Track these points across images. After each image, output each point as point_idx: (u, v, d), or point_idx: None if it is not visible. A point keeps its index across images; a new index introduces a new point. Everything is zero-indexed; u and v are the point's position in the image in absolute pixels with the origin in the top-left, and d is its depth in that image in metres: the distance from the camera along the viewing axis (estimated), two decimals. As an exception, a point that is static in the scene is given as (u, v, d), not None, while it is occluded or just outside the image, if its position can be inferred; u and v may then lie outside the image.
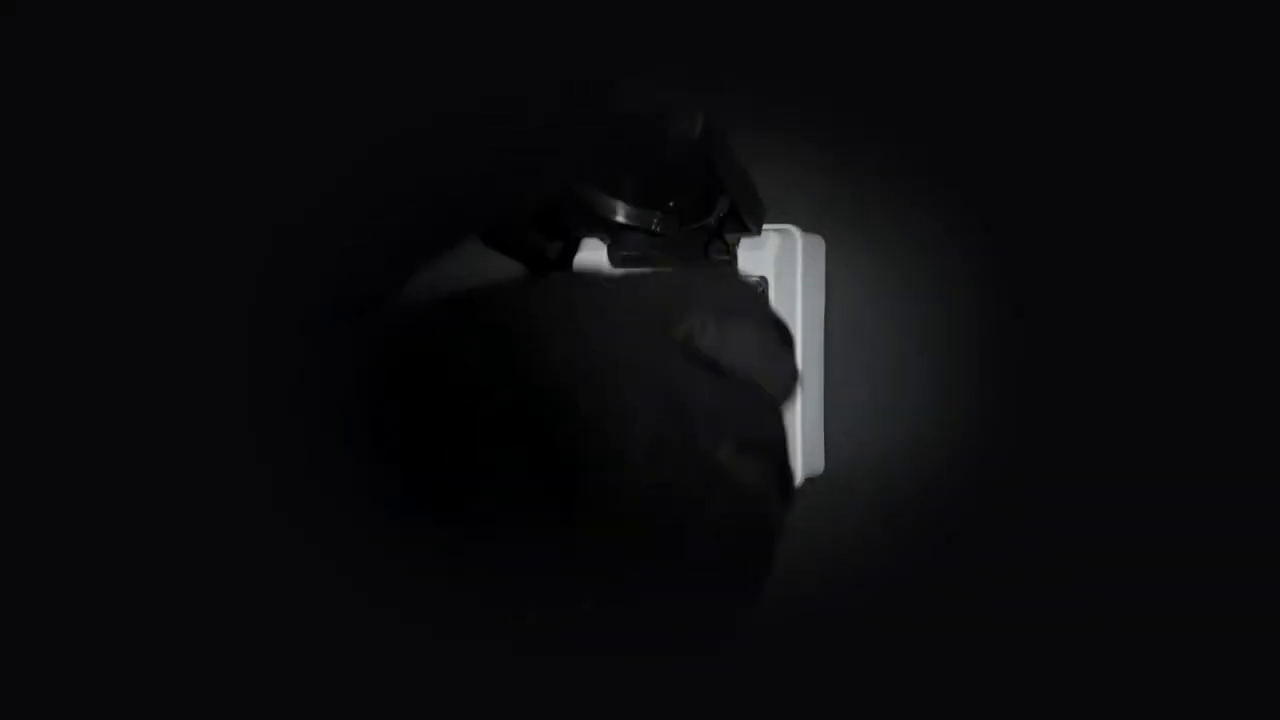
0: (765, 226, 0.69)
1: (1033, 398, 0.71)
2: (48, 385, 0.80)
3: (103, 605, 0.81)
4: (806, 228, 0.71)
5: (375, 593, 0.72)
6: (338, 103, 0.79)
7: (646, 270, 0.67)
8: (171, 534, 0.80)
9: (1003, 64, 0.71)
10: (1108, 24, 0.70)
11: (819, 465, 0.72)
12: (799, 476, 0.70)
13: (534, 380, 0.47)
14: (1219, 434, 0.69)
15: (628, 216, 0.65)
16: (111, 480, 0.81)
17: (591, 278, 0.51)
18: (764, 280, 0.69)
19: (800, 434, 0.70)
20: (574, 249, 0.68)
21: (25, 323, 0.80)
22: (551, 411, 0.47)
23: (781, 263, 0.69)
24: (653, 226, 0.65)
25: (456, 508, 0.49)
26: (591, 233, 0.68)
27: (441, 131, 0.62)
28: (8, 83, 0.81)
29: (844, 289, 0.73)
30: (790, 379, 0.52)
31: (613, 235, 0.67)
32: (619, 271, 0.63)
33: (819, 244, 0.72)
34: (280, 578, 0.79)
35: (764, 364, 0.51)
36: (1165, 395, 0.69)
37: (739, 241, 0.67)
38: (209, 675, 0.79)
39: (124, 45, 0.80)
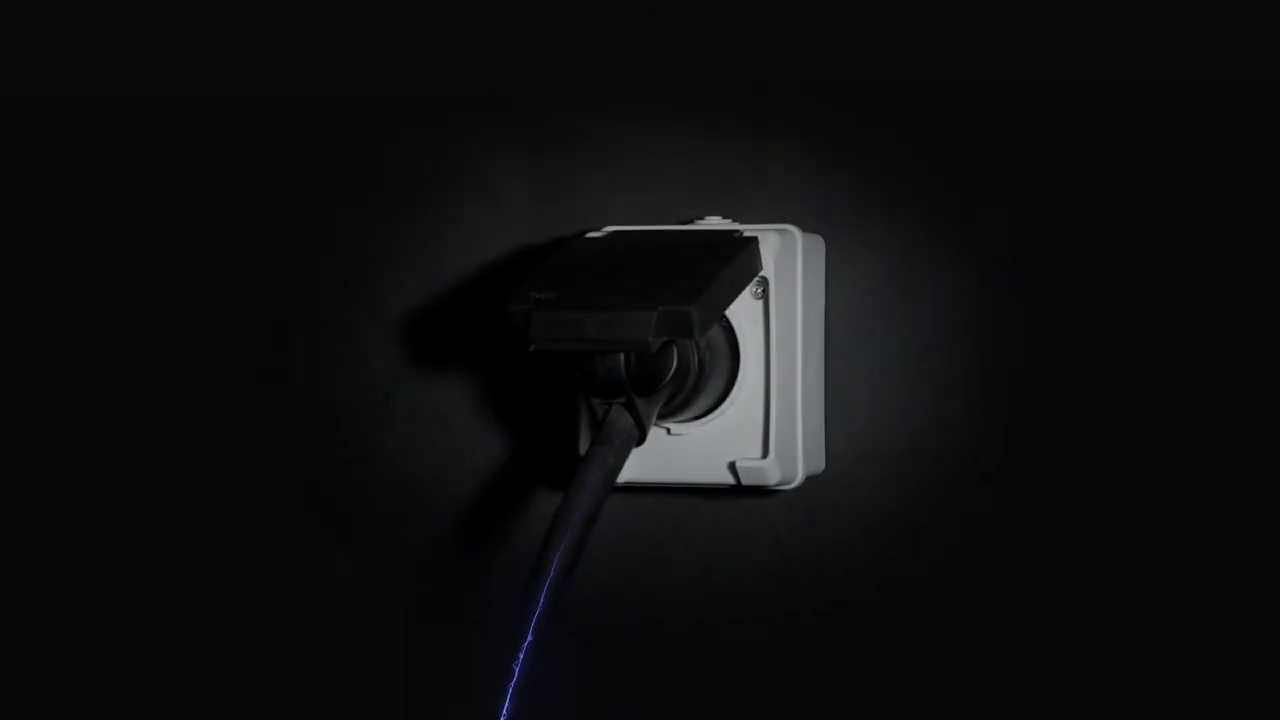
0: (765, 226, 0.69)
1: (1033, 397, 0.71)
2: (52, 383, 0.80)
3: (108, 598, 0.81)
4: (806, 228, 0.70)
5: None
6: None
7: None
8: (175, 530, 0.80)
9: (1003, 63, 0.71)
10: (1109, 22, 0.70)
11: (819, 465, 0.72)
12: (799, 476, 0.70)
13: None
14: (1220, 433, 0.69)
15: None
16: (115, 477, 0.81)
17: None
18: (764, 280, 0.69)
19: (800, 434, 0.70)
20: None
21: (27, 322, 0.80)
22: None
23: (781, 263, 0.69)
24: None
25: None
26: None
27: None
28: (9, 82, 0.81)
29: (844, 289, 0.73)
30: None
31: None
32: None
33: (819, 244, 0.72)
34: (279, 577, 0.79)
35: None
36: (1166, 394, 0.69)
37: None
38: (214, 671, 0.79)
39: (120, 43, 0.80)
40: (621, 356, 0.64)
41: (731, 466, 0.70)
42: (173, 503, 0.81)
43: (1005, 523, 0.71)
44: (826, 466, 0.73)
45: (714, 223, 0.71)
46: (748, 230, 0.69)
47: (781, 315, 0.69)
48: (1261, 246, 0.69)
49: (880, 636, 0.73)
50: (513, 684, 0.58)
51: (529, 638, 0.59)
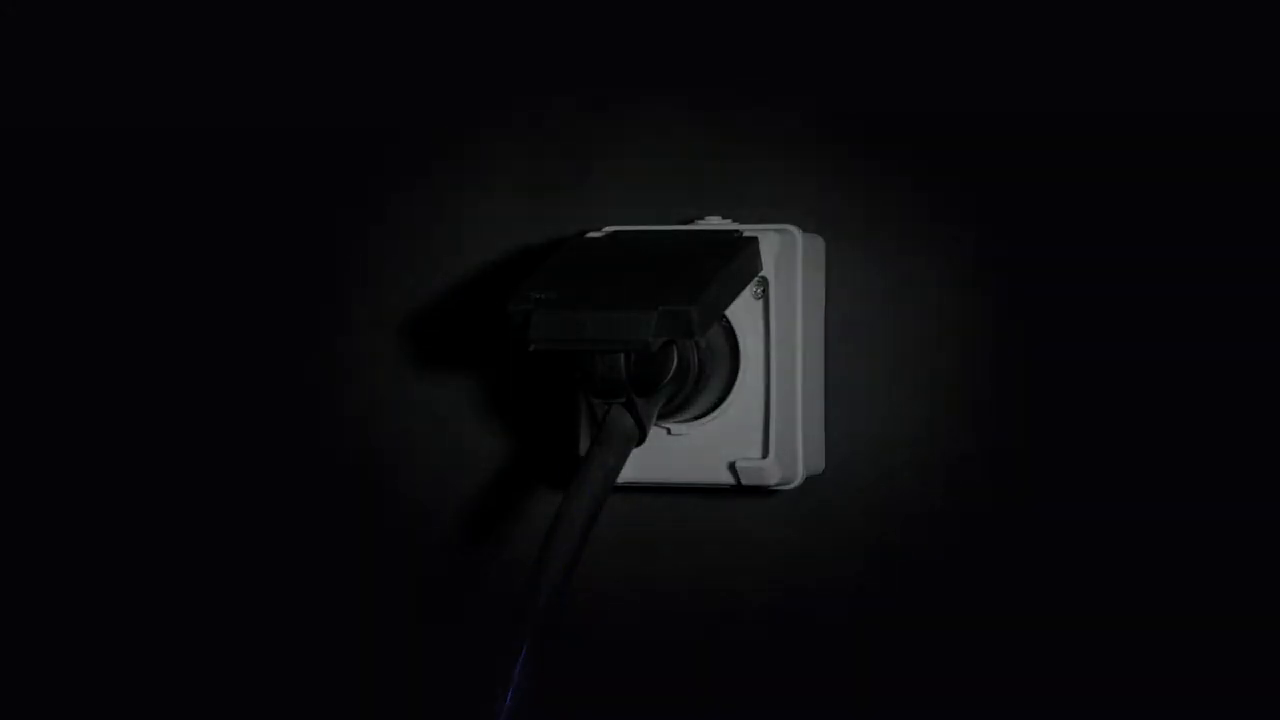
0: (765, 226, 0.69)
1: (1032, 397, 0.71)
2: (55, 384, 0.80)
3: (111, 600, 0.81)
4: (806, 228, 0.70)
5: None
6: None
7: None
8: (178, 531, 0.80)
9: (1003, 63, 0.71)
10: (1110, 23, 0.70)
11: (819, 465, 0.72)
12: (799, 476, 0.70)
13: None
14: (1221, 434, 0.69)
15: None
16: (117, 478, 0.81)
17: None
18: (764, 280, 0.69)
19: (800, 434, 0.70)
20: None
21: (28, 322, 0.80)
22: None
23: (781, 263, 0.69)
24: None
25: None
26: None
27: None
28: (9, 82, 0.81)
29: (844, 289, 0.73)
30: None
31: None
32: None
33: (819, 244, 0.72)
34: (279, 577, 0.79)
35: None
36: (1167, 395, 0.69)
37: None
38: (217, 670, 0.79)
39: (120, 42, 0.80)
40: (621, 356, 0.64)
41: (731, 466, 0.70)
42: (172, 503, 0.81)
43: (1005, 522, 0.71)
44: (826, 466, 0.73)
45: (714, 223, 0.71)
46: (748, 230, 0.69)
47: (781, 315, 0.69)
48: (1259, 247, 0.69)
49: (880, 636, 0.73)
50: (512, 685, 0.58)
51: (529, 638, 0.59)
